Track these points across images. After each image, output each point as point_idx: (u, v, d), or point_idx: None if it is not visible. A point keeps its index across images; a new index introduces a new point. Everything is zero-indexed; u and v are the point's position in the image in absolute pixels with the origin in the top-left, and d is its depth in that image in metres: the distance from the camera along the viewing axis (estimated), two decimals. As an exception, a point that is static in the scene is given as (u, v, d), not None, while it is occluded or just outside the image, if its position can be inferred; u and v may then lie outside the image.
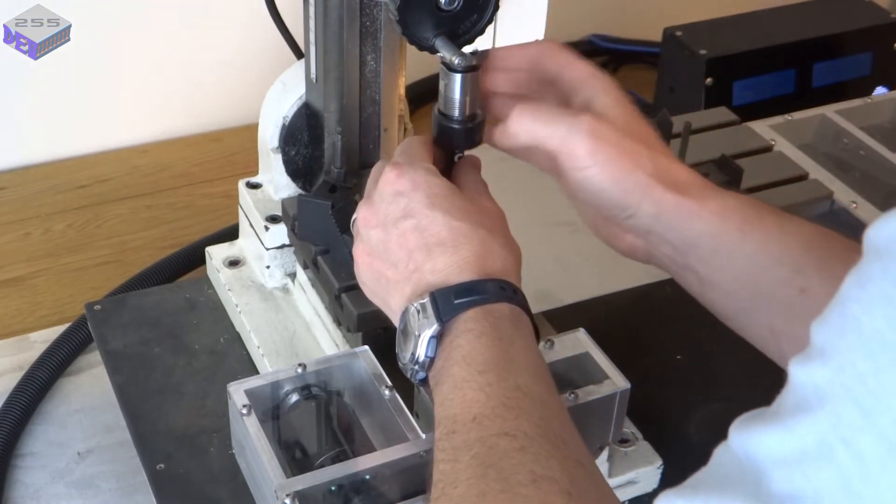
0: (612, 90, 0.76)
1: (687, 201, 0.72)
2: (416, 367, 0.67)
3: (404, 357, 0.69)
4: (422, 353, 0.67)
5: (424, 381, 0.68)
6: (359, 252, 0.74)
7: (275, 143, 1.03)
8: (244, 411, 0.79)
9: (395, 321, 0.71)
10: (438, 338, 0.67)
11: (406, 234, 0.70)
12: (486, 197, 0.74)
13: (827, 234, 0.72)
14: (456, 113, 0.87)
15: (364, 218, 0.73)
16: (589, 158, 0.72)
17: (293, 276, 1.05)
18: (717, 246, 0.72)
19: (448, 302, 0.66)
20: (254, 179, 1.07)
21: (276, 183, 1.04)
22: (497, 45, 0.84)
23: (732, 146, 1.13)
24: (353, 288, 0.92)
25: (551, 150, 0.73)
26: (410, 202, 0.70)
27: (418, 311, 0.67)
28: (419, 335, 0.67)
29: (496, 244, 0.70)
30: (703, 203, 0.72)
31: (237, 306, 1.04)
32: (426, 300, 0.67)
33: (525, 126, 0.73)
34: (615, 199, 0.72)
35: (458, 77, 0.85)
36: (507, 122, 0.74)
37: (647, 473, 0.92)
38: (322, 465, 0.79)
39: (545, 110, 0.74)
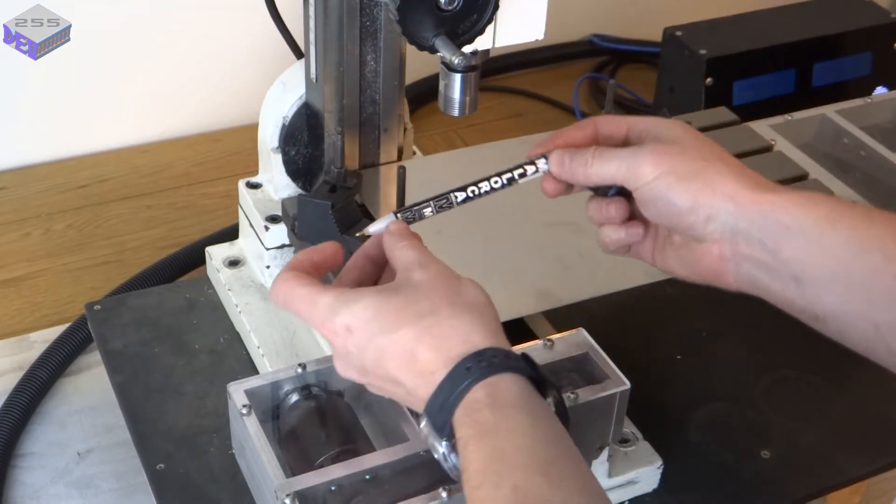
0: (676, 125, 0.77)
1: (767, 195, 0.72)
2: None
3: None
4: (449, 466, 0.68)
5: None
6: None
7: (275, 143, 1.03)
8: (244, 411, 0.79)
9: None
10: (453, 446, 0.67)
11: (379, 380, 0.71)
12: (418, 269, 0.72)
13: None
14: (456, 112, 0.87)
15: (345, 372, 0.74)
16: (654, 169, 0.73)
17: (293, 276, 1.05)
18: (806, 236, 0.70)
19: (438, 418, 0.67)
20: (254, 179, 1.08)
21: (276, 183, 1.04)
22: (497, 45, 0.84)
23: (732, 146, 1.12)
24: (353, 288, 0.92)
25: (621, 180, 0.75)
26: (357, 350, 0.70)
27: (428, 433, 0.68)
28: (440, 452, 0.68)
29: (444, 322, 0.69)
30: (784, 196, 0.72)
31: (237, 306, 1.04)
32: (423, 423, 0.68)
33: (594, 169, 0.76)
34: (688, 202, 0.73)
35: (457, 77, 0.85)
36: (577, 168, 0.77)
37: (647, 473, 0.92)
38: (322, 465, 0.78)
39: (608, 150, 0.76)
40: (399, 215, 0.77)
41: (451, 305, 0.69)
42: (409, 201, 0.90)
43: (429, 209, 0.78)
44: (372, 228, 0.77)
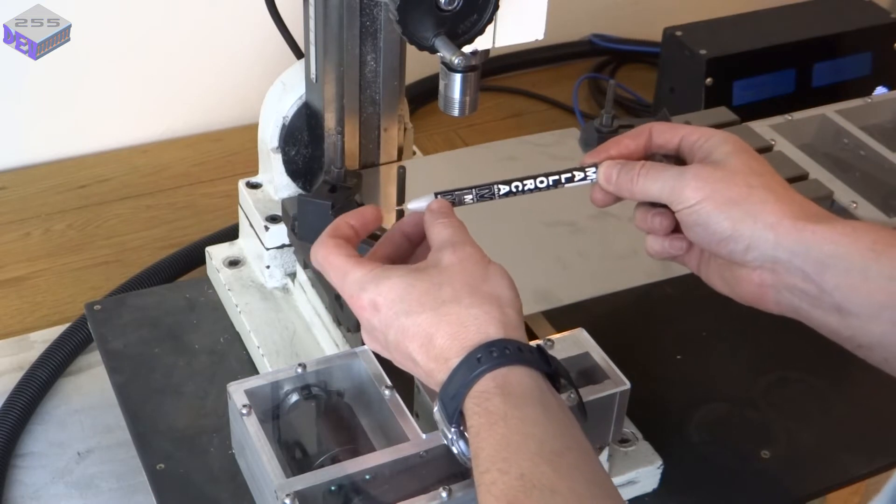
0: (729, 141, 0.77)
1: (809, 225, 0.72)
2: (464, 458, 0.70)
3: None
4: (458, 451, 0.70)
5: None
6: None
7: (275, 143, 1.03)
8: (244, 411, 0.79)
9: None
10: (461, 433, 0.69)
11: (400, 356, 0.72)
12: (449, 250, 0.72)
13: None
14: (456, 112, 0.87)
15: (370, 345, 0.76)
16: (695, 194, 0.73)
17: (293, 276, 1.05)
18: (849, 266, 0.70)
19: (449, 405, 0.68)
20: (254, 179, 1.08)
21: (276, 183, 1.04)
22: (497, 45, 0.84)
23: (732, 146, 1.13)
24: (353, 288, 0.92)
25: (664, 200, 0.75)
26: (381, 327, 0.72)
27: (439, 418, 0.70)
28: (449, 438, 0.70)
29: (463, 311, 0.69)
30: (828, 226, 0.71)
31: (237, 306, 1.04)
32: (437, 407, 0.70)
33: (639, 186, 0.76)
34: (727, 230, 0.73)
35: (457, 77, 0.85)
36: (623, 184, 0.77)
37: (647, 473, 0.92)
38: (322, 465, 0.78)
39: (655, 168, 0.76)
40: (439, 196, 0.77)
41: (472, 294, 0.70)
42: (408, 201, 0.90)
43: (470, 196, 0.78)
44: (412, 205, 0.77)
